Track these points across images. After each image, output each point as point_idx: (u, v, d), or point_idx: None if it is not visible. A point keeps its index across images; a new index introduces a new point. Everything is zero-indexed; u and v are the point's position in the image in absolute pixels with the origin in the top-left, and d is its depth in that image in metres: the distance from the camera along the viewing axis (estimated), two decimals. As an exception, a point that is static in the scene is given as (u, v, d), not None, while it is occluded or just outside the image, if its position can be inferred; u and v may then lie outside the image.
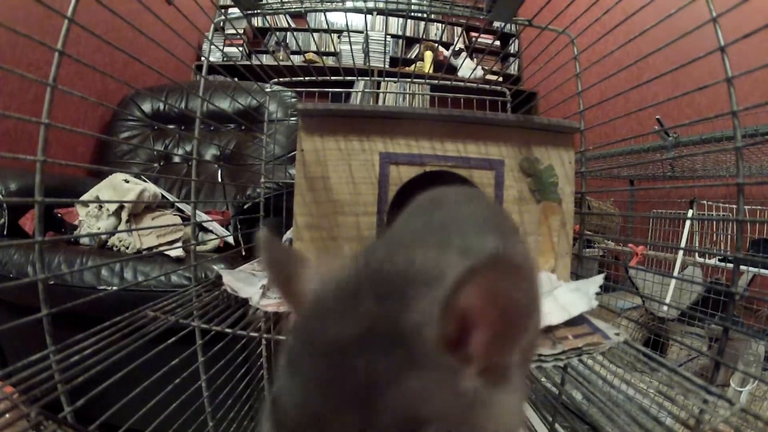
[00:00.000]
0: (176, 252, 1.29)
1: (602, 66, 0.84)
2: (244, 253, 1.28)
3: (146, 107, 2.12)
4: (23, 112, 0.51)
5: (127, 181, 1.46)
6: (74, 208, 1.42)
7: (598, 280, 0.70)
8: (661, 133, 1.48)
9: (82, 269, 1.18)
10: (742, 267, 1.37)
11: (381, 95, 2.87)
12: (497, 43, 3.32)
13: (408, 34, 3.49)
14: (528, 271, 0.23)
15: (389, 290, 0.26)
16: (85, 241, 1.38)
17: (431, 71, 2.85)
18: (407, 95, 1.65)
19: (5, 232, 1.35)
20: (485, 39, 3.18)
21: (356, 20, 3.13)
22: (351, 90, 2.96)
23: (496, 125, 0.82)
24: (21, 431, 0.40)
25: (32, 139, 0.48)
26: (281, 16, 3.23)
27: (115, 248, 1.35)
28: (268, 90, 1.23)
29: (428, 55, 3.23)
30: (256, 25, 3.16)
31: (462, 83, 1.20)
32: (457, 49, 3.12)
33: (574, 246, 0.88)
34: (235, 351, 0.97)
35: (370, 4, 0.98)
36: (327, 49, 3.35)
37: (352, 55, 1.50)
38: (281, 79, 1.16)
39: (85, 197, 1.44)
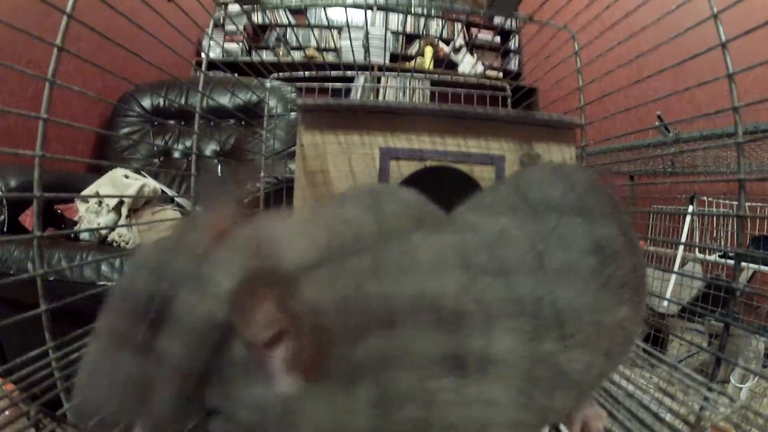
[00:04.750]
0: (176, 248, 1.29)
1: (603, 62, 0.84)
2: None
3: (146, 103, 2.11)
4: (23, 109, 0.51)
5: (126, 177, 1.46)
6: (74, 204, 1.42)
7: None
8: (661, 129, 1.48)
9: (82, 264, 1.18)
10: (743, 263, 1.37)
11: (381, 90, 2.86)
12: (497, 39, 3.32)
13: (408, 30, 3.48)
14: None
15: None
16: (84, 236, 1.38)
17: (431, 67, 2.84)
18: (407, 90, 1.64)
19: (5, 229, 1.35)
20: (485, 35, 3.17)
21: (356, 16, 3.12)
22: (351, 85, 2.96)
23: (496, 121, 0.82)
24: (21, 429, 0.40)
25: (32, 136, 0.48)
26: (281, 12, 3.22)
27: (115, 244, 1.35)
28: (268, 85, 1.22)
29: (428, 51, 3.22)
30: (256, 21, 3.15)
31: (462, 79, 1.19)
32: (457, 45, 3.12)
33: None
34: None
35: (371, 0, 0.98)
36: (327, 45, 3.35)
37: (353, 51, 1.50)
38: (281, 75, 1.16)
39: (84, 193, 1.44)
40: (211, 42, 0.91)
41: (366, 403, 0.26)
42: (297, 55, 2.99)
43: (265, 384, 0.26)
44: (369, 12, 1.00)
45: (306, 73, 1.14)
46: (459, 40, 3.24)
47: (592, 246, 0.34)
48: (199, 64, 0.98)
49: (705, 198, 1.83)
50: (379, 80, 2.87)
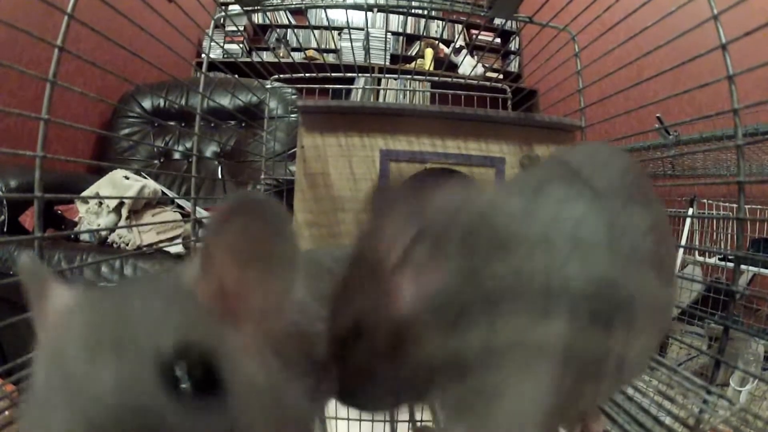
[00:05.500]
0: (176, 248, 1.29)
1: (603, 63, 0.84)
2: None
3: (146, 104, 2.12)
4: (24, 109, 0.51)
5: (127, 178, 1.46)
6: (74, 205, 1.42)
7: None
8: (661, 131, 1.48)
9: (82, 266, 1.18)
10: (743, 266, 1.37)
11: (381, 92, 2.86)
12: (498, 40, 3.31)
13: (408, 31, 3.48)
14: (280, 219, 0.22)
15: None
16: (85, 237, 1.38)
17: (432, 68, 2.85)
18: (408, 92, 1.64)
19: (5, 229, 1.35)
20: (486, 36, 3.17)
21: (357, 17, 3.12)
22: (351, 87, 2.97)
23: (496, 123, 0.82)
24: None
25: (33, 136, 0.48)
26: (281, 12, 3.22)
27: (115, 245, 1.35)
28: (268, 87, 1.22)
29: (429, 53, 3.22)
30: (256, 21, 3.15)
31: (462, 80, 1.19)
32: (457, 46, 3.12)
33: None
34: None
35: (371, 1, 0.98)
36: (327, 46, 3.35)
37: (353, 52, 1.51)
38: (282, 76, 1.16)
39: (85, 194, 1.44)
40: (211, 43, 0.91)
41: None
42: (297, 56, 2.99)
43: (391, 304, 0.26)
44: (369, 13, 1.00)
45: (306, 74, 1.14)
46: (459, 41, 3.24)
47: (650, 227, 0.32)
48: (199, 64, 0.98)
49: (705, 200, 1.83)
50: (379, 82, 2.88)
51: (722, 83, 0.57)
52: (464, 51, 2.99)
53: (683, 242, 1.78)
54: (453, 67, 2.88)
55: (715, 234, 1.84)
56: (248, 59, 1.08)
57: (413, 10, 3.23)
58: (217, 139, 2.00)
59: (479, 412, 0.26)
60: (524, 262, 0.27)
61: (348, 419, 1.08)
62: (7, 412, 0.41)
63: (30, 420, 0.19)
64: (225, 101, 1.95)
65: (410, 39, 3.52)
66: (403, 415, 0.57)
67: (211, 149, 2.05)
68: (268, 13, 2.65)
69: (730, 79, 0.56)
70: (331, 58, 3.22)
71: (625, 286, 0.29)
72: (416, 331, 0.26)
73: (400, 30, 3.45)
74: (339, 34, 3.32)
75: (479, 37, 2.98)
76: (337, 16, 3.23)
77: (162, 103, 2.12)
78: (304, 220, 0.81)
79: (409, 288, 0.26)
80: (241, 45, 2.99)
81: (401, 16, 3.40)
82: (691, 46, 0.60)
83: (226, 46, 2.97)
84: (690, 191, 1.93)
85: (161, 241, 1.32)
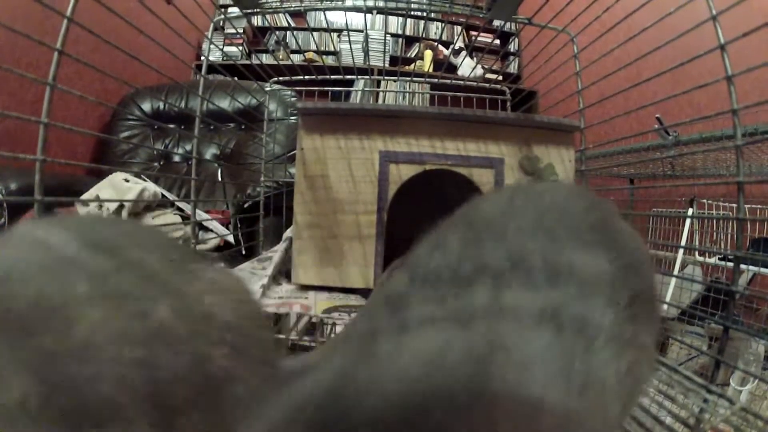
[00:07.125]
0: (176, 251, 1.29)
1: (602, 64, 0.84)
2: (244, 252, 1.28)
3: (146, 107, 2.12)
4: (23, 112, 0.51)
5: (127, 181, 1.46)
6: (74, 208, 1.42)
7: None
8: (660, 132, 1.48)
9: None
10: (742, 266, 1.37)
11: (381, 94, 2.87)
12: (497, 41, 3.32)
13: (408, 33, 3.49)
14: None
15: None
16: (85, 240, 1.37)
17: (431, 70, 2.85)
18: (407, 94, 1.65)
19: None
20: (485, 38, 3.17)
21: (356, 19, 3.13)
22: (351, 89, 2.97)
23: (495, 124, 0.82)
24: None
25: (32, 139, 0.49)
26: (281, 15, 3.22)
27: (115, 248, 1.35)
28: (267, 89, 1.22)
29: (428, 54, 3.22)
30: (255, 24, 3.16)
31: (462, 82, 1.20)
32: (456, 47, 3.12)
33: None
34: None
35: (370, 3, 0.98)
36: (327, 48, 3.35)
37: (352, 54, 1.52)
38: (281, 78, 1.16)
39: (85, 196, 1.44)
40: (210, 45, 0.92)
41: None
42: (296, 59, 3.00)
43: None
44: (368, 15, 1.00)
45: (306, 76, 1.15)
46: (458, 43, 3.24)
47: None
48: (198, 67, 0.98)
49: (705, 200, 1.83)
50: (378, 84, 2.88)
51: (721, 84, 0.57)
52: (463, 52, 2.99)
53: (683, 242, 1.78)
54: (452, 68, 2.89)
55: (714, 234, 1.84)
56: (247, 62, 1.08)
57: (412, 12, 3.24)
58: (217, 141, 2.01)
59: None
60: None
61: None
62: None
63: None
64: (224, 104, 1.95)
65: (409, 41, 3.53)
66: None
67: (210, 152, 2.05)
68: (267, 16, 2.66)
69: (729, 80, 0.56)
70: (330, 60, 3.23)
71: None
72: None
73: (400, 32, 3.46)
74: (338, 36, 3.32)
75: (478, 38, 2.99)
76: (337, 18, 3.24)
77: (161, 106, 2.13)
78: (303, 222, 0.81)
79: None
80: (240, 47, 3.00)
81: (400, 18, 3.40)
82: (690, 47, 0.61)
83: (226, 48, 2.98)
84: (690, 191, 1.93)
85: (161, 244, 1.32)
